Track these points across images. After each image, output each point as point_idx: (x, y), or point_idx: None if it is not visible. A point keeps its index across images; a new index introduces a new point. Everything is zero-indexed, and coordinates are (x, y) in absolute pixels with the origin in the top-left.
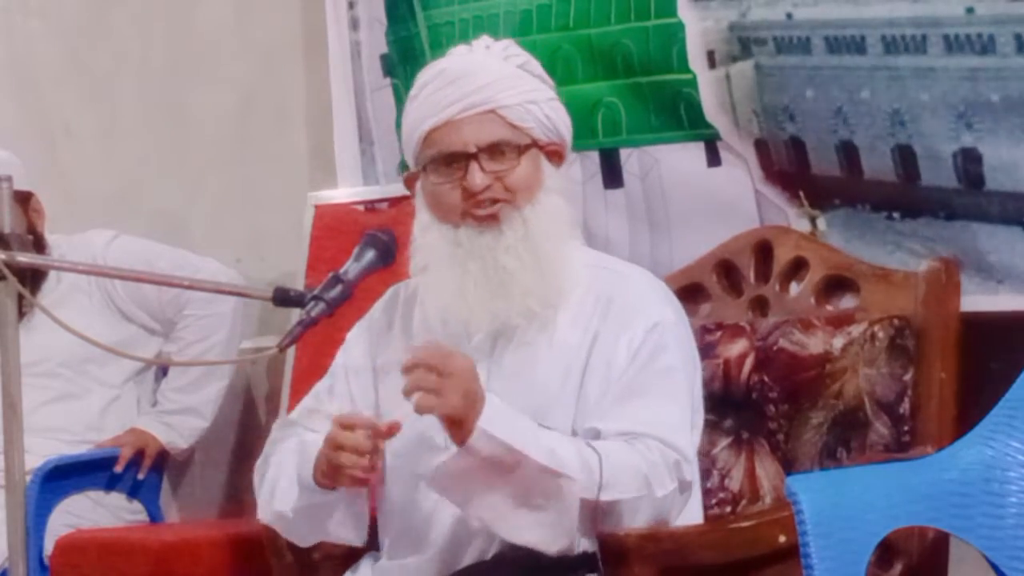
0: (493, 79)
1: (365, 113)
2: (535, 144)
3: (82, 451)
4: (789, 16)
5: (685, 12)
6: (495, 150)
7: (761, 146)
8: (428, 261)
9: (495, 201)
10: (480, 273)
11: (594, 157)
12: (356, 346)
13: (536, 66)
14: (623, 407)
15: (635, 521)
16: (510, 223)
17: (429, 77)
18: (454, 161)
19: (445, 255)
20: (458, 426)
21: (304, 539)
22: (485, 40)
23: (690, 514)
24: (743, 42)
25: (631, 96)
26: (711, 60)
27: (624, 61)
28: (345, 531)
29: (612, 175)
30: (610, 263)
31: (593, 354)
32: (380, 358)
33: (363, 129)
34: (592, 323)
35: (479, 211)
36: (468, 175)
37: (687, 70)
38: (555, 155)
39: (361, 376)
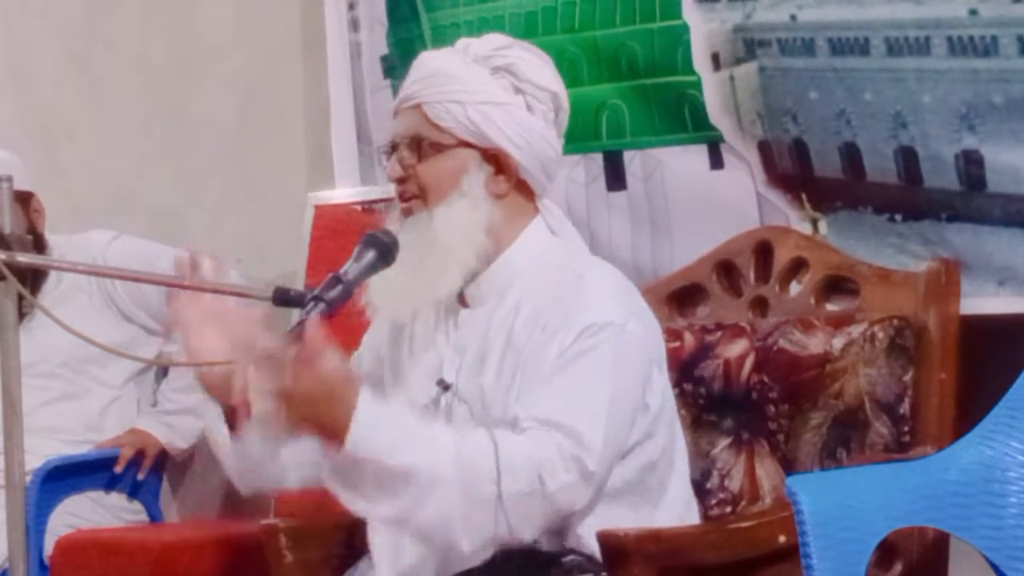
0: (426, 75)
1: (364, 114)
2: (467, 145)
3: (82, 451)
4: (793, 18)
5: (690, 14)
6: (413, 144)
7: (764, 148)
8: None
9: (412, 196)
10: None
11: (598, 159)
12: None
13: (524, 70)
14: (537, 394)
15: (530, 513)
16: (414, 221)
17: None
18: (391, 148)
19: None
20: (330, 438)
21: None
22: (486, 37)
23: (685, 514)
24: (747, 44)
25: (635, 98)
26: (716, 62)
27: (629, 63)
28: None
29: (616, 177)
30: (577, 265)
31: (532, 354)
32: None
33: (362, 130)
34: (540, 323)
35: (401, 204)
36: (389, 163)
37: (692, 72)
38: (503, 162)
39: (370, 352)
